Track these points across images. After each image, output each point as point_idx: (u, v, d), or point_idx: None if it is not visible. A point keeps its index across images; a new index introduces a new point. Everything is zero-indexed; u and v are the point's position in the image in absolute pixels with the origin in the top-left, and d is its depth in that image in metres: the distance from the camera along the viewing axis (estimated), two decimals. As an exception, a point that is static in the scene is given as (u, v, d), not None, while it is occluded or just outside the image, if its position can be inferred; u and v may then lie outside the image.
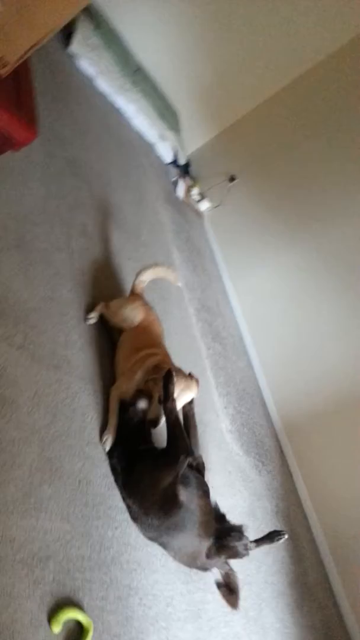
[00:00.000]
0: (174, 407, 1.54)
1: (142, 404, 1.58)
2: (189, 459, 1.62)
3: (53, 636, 1.13)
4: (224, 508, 1.65)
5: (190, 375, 1.67)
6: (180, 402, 1.62)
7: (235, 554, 1.48)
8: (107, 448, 1.55)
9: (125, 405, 1.62)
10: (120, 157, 3.12)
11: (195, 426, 1.77)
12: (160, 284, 2.62)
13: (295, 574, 2.37)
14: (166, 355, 1.77)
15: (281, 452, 3.06)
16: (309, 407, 3.10)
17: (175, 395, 1.55)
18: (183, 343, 2.54)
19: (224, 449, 2.38)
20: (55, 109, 2.57)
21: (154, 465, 1.50)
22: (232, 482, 2.27)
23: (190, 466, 1.64)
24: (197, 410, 2.29)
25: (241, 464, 2.44)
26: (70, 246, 2.03)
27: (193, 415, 1.80)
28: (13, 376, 1.40)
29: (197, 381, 1.68)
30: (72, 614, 1.18)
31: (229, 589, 1.53)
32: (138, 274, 2.08)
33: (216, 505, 1.59)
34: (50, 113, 2.48)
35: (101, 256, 2.24)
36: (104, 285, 2.13)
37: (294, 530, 2.59)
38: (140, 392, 1.61)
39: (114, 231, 2.47)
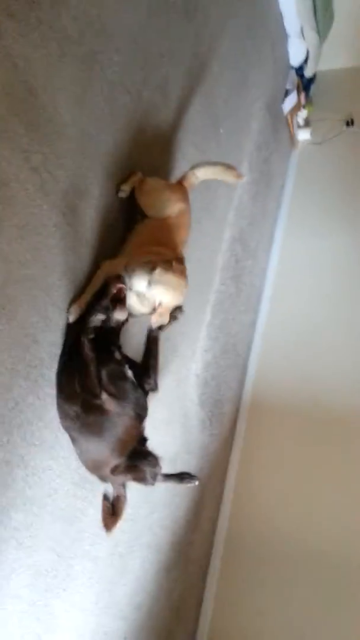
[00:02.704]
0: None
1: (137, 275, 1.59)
2: (150, 384, 1.72)
3: None
4: (151, 441, 1.73)
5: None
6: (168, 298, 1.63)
7: (142, 479, 1.57)
8: (71, 319, 1.59)
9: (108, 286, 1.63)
10: (246, 30, 2.91)
11: (156, 353, 1.82)
12: (213, 191, 2.55)
13: (182, 539, 2.53)
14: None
15: (234, 424, 3.15)
16: (287, 400, 3.15)
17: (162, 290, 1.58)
18: (199, 263, 2.52)
19: (182, 387, 2.45)
20: None
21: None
22: (172, 423, 2.36)
23: (140, 386, 1.71)
24: (177, 336, 2.33)
25: (190, 412, 2.53)
26: (140, 95, 1.95)
27: (157, 340, 1.84)
28: (12, 195, 1.39)
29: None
30: None
31: (112, 510, 1.64)
32: (195, 167, 2.01)
33: (143, 428, 1.67)
34: None
35: (166, 124, 2.16)
36: (153, 157, 2.07)
37: (202, 500, 2.73)
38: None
39: (194, 105, 2.36)
